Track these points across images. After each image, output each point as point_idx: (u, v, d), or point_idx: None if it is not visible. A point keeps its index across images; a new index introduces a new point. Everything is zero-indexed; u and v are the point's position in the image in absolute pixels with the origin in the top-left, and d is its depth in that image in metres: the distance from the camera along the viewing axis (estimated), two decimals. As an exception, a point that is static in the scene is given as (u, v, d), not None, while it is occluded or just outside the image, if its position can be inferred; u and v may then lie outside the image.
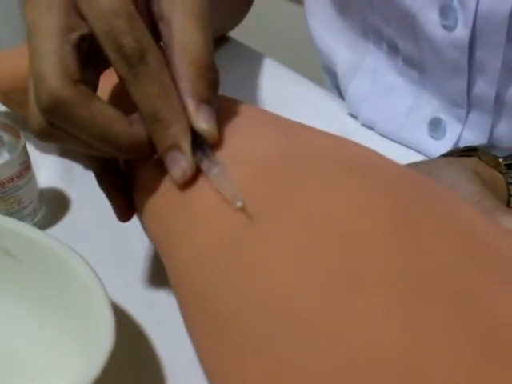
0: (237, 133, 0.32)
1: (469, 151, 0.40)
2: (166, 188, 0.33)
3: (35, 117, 0.31)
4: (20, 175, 0.44)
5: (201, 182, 0.31)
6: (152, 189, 0.34)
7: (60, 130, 0.31)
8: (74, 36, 0.30)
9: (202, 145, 0.31)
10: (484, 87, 0.47)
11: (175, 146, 0.31)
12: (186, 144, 0.31)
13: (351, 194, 0.27)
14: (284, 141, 0.31)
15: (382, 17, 0.51)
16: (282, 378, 0.23)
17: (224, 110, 0.33)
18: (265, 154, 0.30)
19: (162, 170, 0.33)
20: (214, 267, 0.28)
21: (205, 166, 0.31)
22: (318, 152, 0.30)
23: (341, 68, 0.57)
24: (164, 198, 0.33)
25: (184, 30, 0.31)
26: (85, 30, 0.31)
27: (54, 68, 0.30)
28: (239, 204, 0.28)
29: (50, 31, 0.30)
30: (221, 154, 0.31)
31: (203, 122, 0.31)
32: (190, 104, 0.31)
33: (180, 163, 0.31)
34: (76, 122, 0.30)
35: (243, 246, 0.28)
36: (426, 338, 0.22)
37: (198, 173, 0.31)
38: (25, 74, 0.33)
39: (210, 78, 0.31)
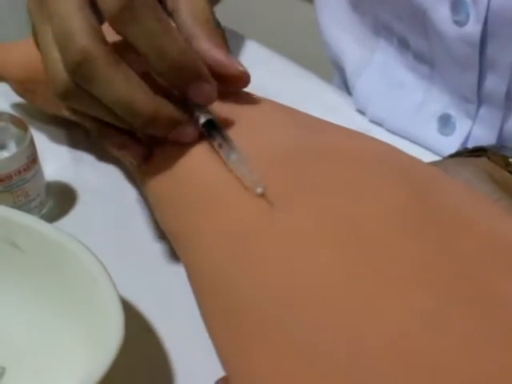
0: (256, 125, 0.32)
1: (477, 151, 0.40)
2: (183, 176, 0.33)
3: (60, 77, 0.31)
4: (27, 168, 0.44)
5: (218, 170, 0.31)
6: (168, 177, 0.34)
7: (84, 91, 0.31)
8: None
9: (220, 131, 0.31)
10: (495, 82, 0.47)
11: (197, 78, 0.31)
12: (205, 71, 0.31)
13: (371, 187, 0.27)
14: (302, 134, 0.31)
15: (392, 13, 0.51)
16: (295, 362, 0.24)
17: (245, 103, 0.34)
18: (284, 144, 0.31)
19: (179, 156, 0.33)
20: (233, 256, 0.28)
21: (224, 152, 0.30)
22: (336, 146, 0.30)
23: (349, 64, 0.57)
24: (180, 186, 0.33)
25: None
26: None
27: (82, 26, 0.30)
28: (259, 190, 0.28)
29: None
30: (240, 143, 0.31)
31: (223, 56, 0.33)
32: (209, 46, 0.33)
33: (207, 91, 0.31)
34: (102, 81, 0.30)
35: (262, 234, 0.28)
36: (444, 334, 0.22)
37: (215, 159, 0.31)
38: (40, 64, 0.34)
39: (221, 32, 0.34)
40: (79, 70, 0.30)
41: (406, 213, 0.26)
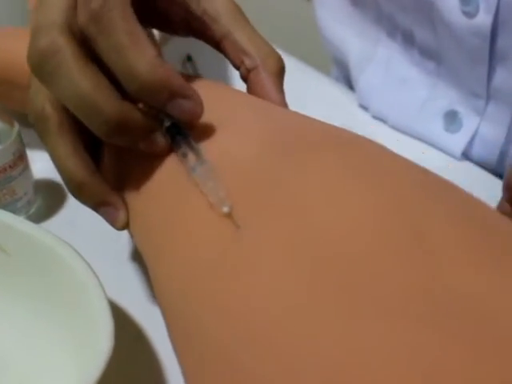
0: (224, 126, 0.29)
1: None
2: (151, 191, 0.30)
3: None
4: (14, 165, 0.42)
5: (184, 185, 0.28)
6: (138, 192, 0.31)
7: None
8: None
9: (185, 137, 0.28)
10: (505, 76, 0.45)
11: (173, 95, 0.27)
12: (181, 86, 0.28)
13: (345, 197, 0.24)
14: (272, 135, 0.28)
15: (397, 4, 0.49)
16: None
17: (210, 98, 0.30)
18: (251, 151, 0.27)
19: (149, 168, 0.30)
20: (194, 280, 0.25)
21: (189, 163, 0.27)
22: (310, 147, 0.27)
23: (352, 58, 0.55)
24: (149, 203, 0.30)
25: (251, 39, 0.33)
26: None
27: (62, 20, 0.28)
28: (225, 209, 0.25)
29: None
30: (207, 148, 0.28)
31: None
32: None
33: (185, 107, 0.28)
34: (66, 73, 0.27)
35: (224, 263, 0.24)
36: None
37: (182, 172, 0.28)
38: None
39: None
40: (44, 60, 0.28)
41: (379, 232, 0.23)
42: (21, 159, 0.43)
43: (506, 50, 0.43)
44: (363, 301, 0.21)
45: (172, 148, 0.29)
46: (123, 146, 0.29)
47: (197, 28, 0.34)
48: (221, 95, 0.32)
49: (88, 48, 0.28)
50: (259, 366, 0.21)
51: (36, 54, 0.28)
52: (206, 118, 0.29)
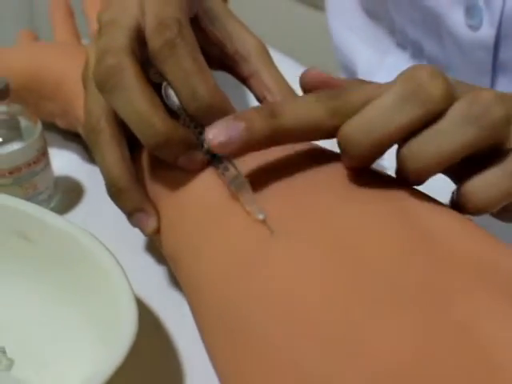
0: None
1: None
2: (184, 200, 0.33)
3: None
4: (37, 161, 0.44)
5: (221, 194, 0.31)
6: (168, 201, 0.34)
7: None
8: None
9: (225, 157, 0.32)
10: (506, 86, 0.47)
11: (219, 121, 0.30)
12: (232, 112, 0.31)
13: (366, 216, 0.29)
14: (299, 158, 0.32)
15: (407, 18, 0.51)
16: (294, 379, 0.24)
17: None
18: (285, 171, 0.31)
19: (180, 179, 0.34)
20: (234, 281, 0.28)
21: (227, 177, 0.31)
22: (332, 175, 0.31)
23: (361, 66, 0.57)
24: (182, 210, 0.33)
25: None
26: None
27: (126, 45, 0.32)
28: (261, 216, 0.29)
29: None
30: (243, 168, 0.31)
31: None
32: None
33: (227, 131, 0.30)
34: (127, 91, 0.31)
35: (263, 258, 0.28)
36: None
37: (219, 184, 0.31)
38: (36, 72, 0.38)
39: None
40: (107, 76, 0.31)
41: (400, 240, 0.27)
42: (43, 155, 0.44)
43: (507, 61, 0.46)
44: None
45: (209, 163, 0.33)
46: (165, 158, 0.33)
47: (229, 65, 0.39)
48: None
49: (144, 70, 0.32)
50: (296, 345, 0.24)
51: (103, 71, 0.31)
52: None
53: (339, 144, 0.29)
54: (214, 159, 0.32)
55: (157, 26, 0.32)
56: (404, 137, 0.28)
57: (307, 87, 0.32)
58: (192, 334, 0.37)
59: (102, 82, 0.32)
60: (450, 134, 0.27)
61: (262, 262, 0.28)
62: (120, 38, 0.32)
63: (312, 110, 0.29)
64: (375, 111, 0.28)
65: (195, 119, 0.32)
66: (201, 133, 0.32)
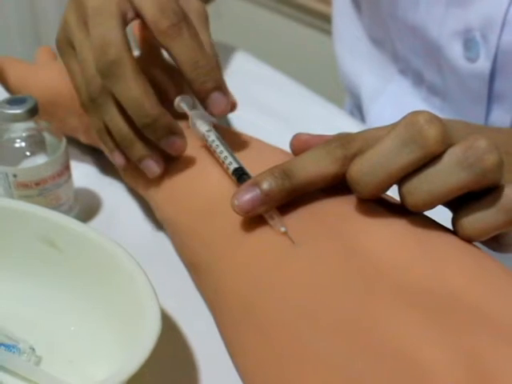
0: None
1: None
2: (203, 207, 0.37)
3: (89, 77, 0.39)
4: (61, 174, 0.46)
5: None
6: (187, 208, 0.38)
7: (106, 95, 0.39)
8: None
9: (250, 177, 0.35)
10: (501, 114, 0.50)
11: (218, 88, 0.38)
12: (225, 86, 0.39)
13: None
14: None
15: (410, 48, 0.55)
16: (326, 372, 0.26)
17: (255, 149, 0.41)
18: None
19: (198, 186, 0.38)
20: (259, 284, 0.31)
21: None
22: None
23: (365, 91, 0.60)
24: (202, 217, 0.37)
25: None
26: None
27: (120, 39, 0.38)
28: (282, 229, 0.32)
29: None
30: None
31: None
32: None
33: (224, 101, 0.38)
34: (125, 80, 0.37)
35: (287, 264, 0.31)
36: None
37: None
38: (62, 88, 0.46)
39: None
40: (111, 68, 0.37)
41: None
42: (67, 169, 0.47)
43: (502, 92, 0.49)
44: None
45: (232, 179, 0.37)
46: (151, 137, 0.39)
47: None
48: (257, 144, 0.43)
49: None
50: (322, 341, 0.27)
51: (107, 65, 0.38)
52: (257, 160, 0.38)
53: (348, 185, 0.32)
54: (239, 180, 0.36)
55: (162, 9, 0.38)
56: (404, 175, 0.31)
57: (296, 152, 0.36)
58: (208, 336, 0.39)
59: (105, 72, 0.38)
60: (445, 177, 0.29)
61: (286, 267, 0.31)
62: (114, 30, 0.38)
63: (321, 165, 0.32)
64: (378, 155, 0.30)
65: (193, 85, 0.38)
66: (226, 157, 0.36)
